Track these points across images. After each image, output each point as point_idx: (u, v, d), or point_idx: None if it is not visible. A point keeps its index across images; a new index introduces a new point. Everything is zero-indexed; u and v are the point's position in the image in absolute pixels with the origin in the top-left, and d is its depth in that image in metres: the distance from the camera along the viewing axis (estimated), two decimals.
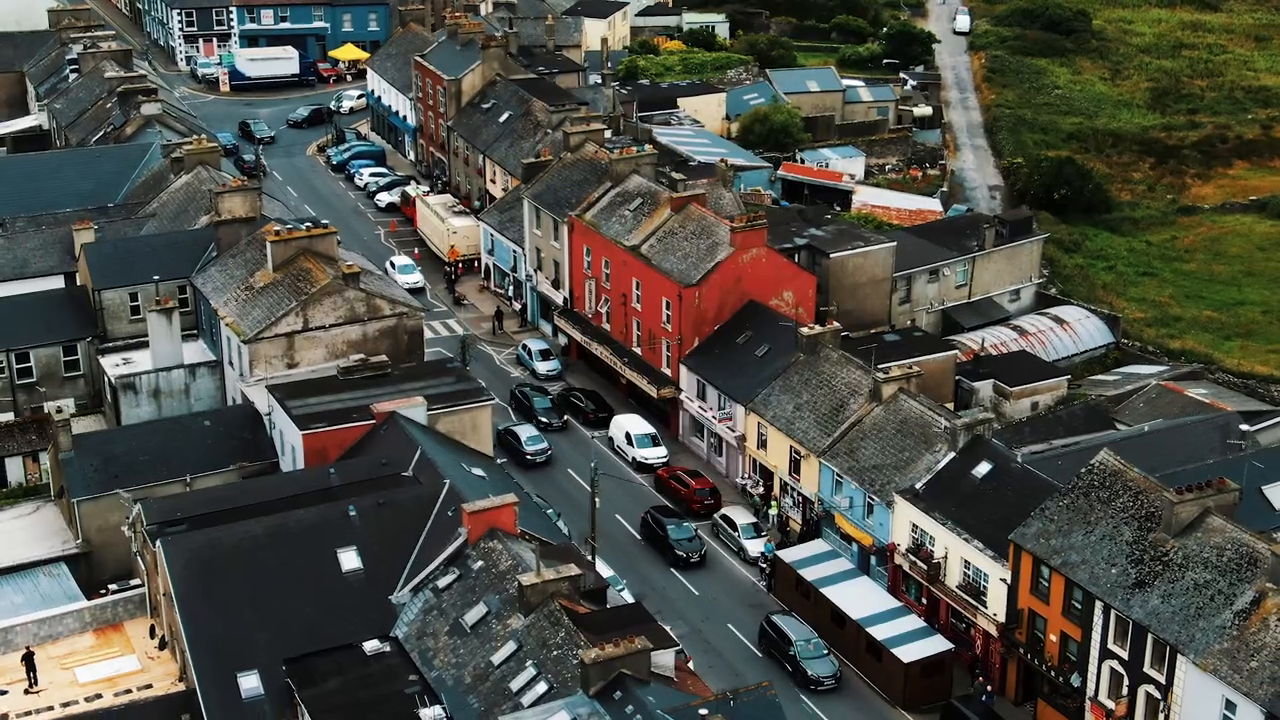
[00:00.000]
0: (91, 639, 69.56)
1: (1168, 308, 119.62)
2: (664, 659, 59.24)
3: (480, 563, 65.07)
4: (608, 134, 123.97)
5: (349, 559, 65.98)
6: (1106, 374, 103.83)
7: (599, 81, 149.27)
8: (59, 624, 69.45)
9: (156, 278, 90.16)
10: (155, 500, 70.62)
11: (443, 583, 64.99)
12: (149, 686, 65.82)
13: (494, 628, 62.05)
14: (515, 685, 59.22)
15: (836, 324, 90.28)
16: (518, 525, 67.13)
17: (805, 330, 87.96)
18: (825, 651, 75.13)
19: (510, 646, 60.74)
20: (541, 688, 58.46)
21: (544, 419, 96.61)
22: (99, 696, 65.20)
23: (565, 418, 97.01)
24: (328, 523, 66.94)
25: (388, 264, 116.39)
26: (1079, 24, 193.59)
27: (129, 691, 65.55)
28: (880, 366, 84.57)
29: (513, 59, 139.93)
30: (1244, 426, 77.99)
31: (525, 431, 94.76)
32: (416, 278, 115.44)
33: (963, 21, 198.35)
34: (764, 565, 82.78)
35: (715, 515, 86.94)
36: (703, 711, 54.44)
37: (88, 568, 75.84)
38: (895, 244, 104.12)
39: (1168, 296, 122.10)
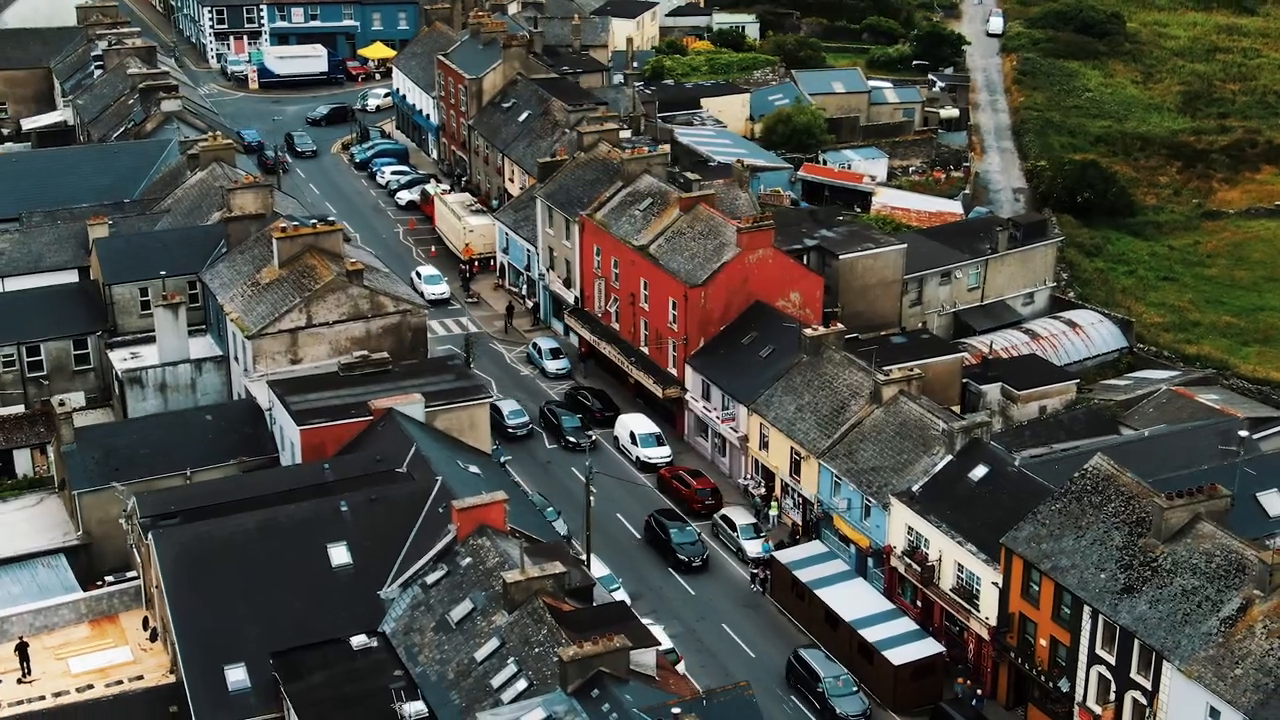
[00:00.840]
0: (86, 630, 70.18)
1: (1186, 313, 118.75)
2: (645, 658, 59.33)
3: (468, 559, 65.31)
4: (627, 134, 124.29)
5: (339, 554, 66.38)
6: (1119, 378, 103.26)
7: (622, 81, 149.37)
8: (54, 615, 70.07)
9: (163, 273, 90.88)
10: (149, 493, 71.28)
11: (431, 579, 65.23)
12: (140, 678, 66.34)
13: (479, 624, 62.29)
14: (496, 682, 59.40)
15: (840, 325, 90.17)
16: (508, 523, 67.33)
17: (809, 332, 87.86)
18: (855, 689, 72.65)
19: (493, 643, 60.95)
20: (522, 685, 58.65)
21: (572, 438, 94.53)
22: (90, 687, 65.74)
23: (594, 438, 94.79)
24: (319, 518, 67.38)
25: (413, 274, 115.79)
26: (1112, 27, 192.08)
27: (120, 683, 66.01)
28: (885, 368, 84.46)
29: (537, 58, 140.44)
30: (1243, 433, 77.36)
31: (507, 405, 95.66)
32: (443, 288, 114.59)
33: (996, 23, 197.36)
34: (755, 569, 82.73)
35: (715, 516, 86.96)
36: (675, 710, 54.53)
37: (88, 559, 76.54)
38: (905, 246, 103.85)
39: (1187, 301, 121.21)
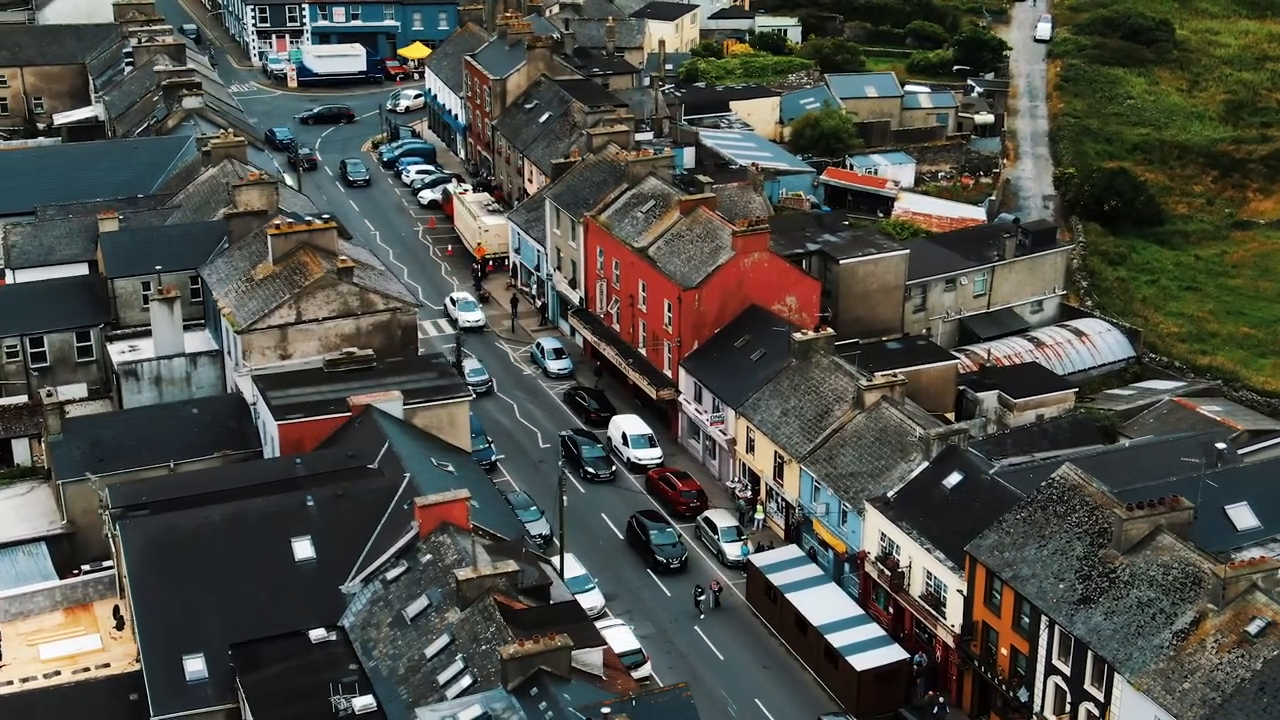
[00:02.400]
0: (60, 617, 71.10)
1: (1205, 323, 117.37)
2: (590, 657, 59.65)
3: (428, 556, 65.83)
4: (648, 136, 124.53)
5: (303, 548, 67.07)
6: (1122, 388, 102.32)
7: (648, 83, 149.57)
8: (29, 601, 71.05)
9: (159, 268, 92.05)
10: (122, 485, 72.24)
11: (392, 574, 65.81)
12: (106, 665, 67.30)
13: (432, 620, 62.79)
14: (443, 678, 59.87)
15: (830, 330, 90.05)
16: (472, 520, 67.72)
17: (798, 336, 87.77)
18: None
19: (444, 640, 61.42)
20: (466, 681, 59.05)
21: (591, 469, 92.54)
22: (57, 673, 66.70)
23: (614, 468, 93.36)
24: (284, 512, 68.12)
25: (447, 300, 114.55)
26: (1161, 34, 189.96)
27: (87, 670, 66.98)
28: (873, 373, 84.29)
29: (566, 60, 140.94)
30: (1220, 445, 76.57)
31: (469, 365, 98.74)
32: (478, 315, 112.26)
33: (1043, 29, 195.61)
34: (699, 592, 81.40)
35: (698, 518, 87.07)
36: (605, 710, 54.75)
37: (71, 548, 77.69)
38: (908, 252, 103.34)
39: (1207, 312, 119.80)
